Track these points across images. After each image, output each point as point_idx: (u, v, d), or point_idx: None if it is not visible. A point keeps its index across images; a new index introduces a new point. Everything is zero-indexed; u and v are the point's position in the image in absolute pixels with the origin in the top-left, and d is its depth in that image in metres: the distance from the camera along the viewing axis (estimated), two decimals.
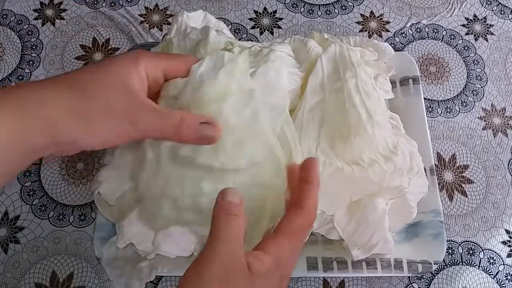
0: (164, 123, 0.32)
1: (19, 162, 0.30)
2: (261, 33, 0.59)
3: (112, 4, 0.59)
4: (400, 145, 0.40)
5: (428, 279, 0.46)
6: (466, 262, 0.47)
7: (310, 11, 0.61)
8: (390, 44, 0.52)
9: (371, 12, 0.61)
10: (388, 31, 0.59)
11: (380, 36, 0.59)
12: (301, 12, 0.60)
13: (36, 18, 0.58)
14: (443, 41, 0.59)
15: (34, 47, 0.56)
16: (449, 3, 0.62)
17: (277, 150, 0.36)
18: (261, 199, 0.35)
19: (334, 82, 0.40)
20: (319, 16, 0.60)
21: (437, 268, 0.46)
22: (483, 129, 0.54)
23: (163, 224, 0.37)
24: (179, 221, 0.36)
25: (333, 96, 0.39)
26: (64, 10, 0.59)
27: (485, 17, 0.61)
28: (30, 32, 0.57)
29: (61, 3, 0.59)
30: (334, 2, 0.61)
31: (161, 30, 0.58)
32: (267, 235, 0.30)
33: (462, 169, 0.52)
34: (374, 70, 0.45)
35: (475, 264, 0.47)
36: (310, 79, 0.40)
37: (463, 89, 0.56)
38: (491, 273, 0.47)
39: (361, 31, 0.59)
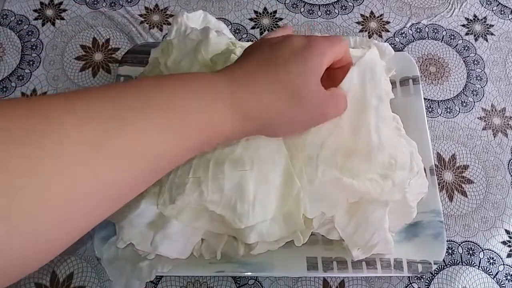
0: (339, 107, 0.36)
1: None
2: (261, 33, 0.59)
3: (112, 4, 0.59)
4: (399, 160, 0.40)
5: (428, 279, 0.46)
6: (466, 262, 0.47)
7: (310, 11, 0.61)
8: (390, 44, 0.52)
9: (371, 12, 0.61)
10: (388, 31, 0.59)
11: (380, 36, 0.59)
12: (301, 12, 0.60)
13: (36, 18, 0.58)
14: (443, 41, 0.59)
15: (34, 47, 0.56)
16: (449, 3, 0.62)
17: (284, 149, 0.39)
18: (276, 182, 0.37)
19: (356, 99, 0.38)
20: (319, 16, 0.60)
21: (437, 268, 0.46)
22: (483, 129, 0.54)
23: (176, 207, 0.38)
24: (199, 200, 0.36)
25: (351, 113, 0.38)
26: (64, 10, 0.59)
27: (485, 17, 0.61)
28: (30, 32, 0.57)
29: (61, 3, 0.59)
30: (334, 2, 0.61)
31: (161, 30, 0.58)
32: None
33: (462, 169, 0.52)
34: None
35: (475, 264, 0.47)
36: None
37: (463, 89, 0.56)
38: (491, 273, 0.47)
39: (361, 31, 0.59)
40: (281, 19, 0.60)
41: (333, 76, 0.37)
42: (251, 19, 0.60)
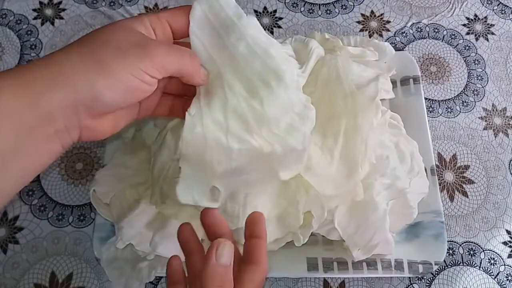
0: (180, 54, 0.30)
1: (37, 137, 0.26)
2: None
3: (112, 4, 0.59)
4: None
5: (429, 279, 0.46)
6: (466, 262, 0.47)
7: (310, 11, 0.60)
8: (390, 43, 0.51)
9: (372, 12, 0.61)
10: (389, 30, 0.59)
11: (381, 35, 0.59)
12: (301, 12, 0.60)
13: (35, 18, 0.58)
14: (443, 41, 0.59)
15: (33, 46, 0.56)
16: (450, 2, 0.62)
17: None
18: (269, 183, 0.36)
19: (221, 50, 0.32)
20: (319, 15, 0.60)
21: (437, 269, 0.46)
22: (484, 129, 0.54)
23: (173, 206, 0.38)
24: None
25: (230, 68, 0.32)
26: (64, 10, 0.59)
27: (485, 17, 0.61)
28: (29, 32, 0.57)
29: (60, 2, 0.59)
30: (335, 1, 0.61)
31: None
32: None
33: (463, 169, 0.51)
34: (375, 70, 0.45)
35: (475, 265, 0.47)
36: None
37: (464, 89, 0.56)
38: (492, 274, 0.46)
39: (361, 30, 0.59)
40: (281, 18, 0.60)
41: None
42: None
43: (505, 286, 0.46)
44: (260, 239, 0.31)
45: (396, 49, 0.54)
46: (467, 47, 0.59)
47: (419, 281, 0.46)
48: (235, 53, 0.32)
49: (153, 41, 0.29)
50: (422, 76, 0.56)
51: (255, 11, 0.60)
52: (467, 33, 0.60)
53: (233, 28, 0.32)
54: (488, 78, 0.57)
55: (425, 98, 0.52)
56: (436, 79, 0.56)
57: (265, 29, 0.58)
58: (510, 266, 0.47)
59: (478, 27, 0.60)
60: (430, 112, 0.54)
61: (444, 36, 0.59)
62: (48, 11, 0.59)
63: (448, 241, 0.46)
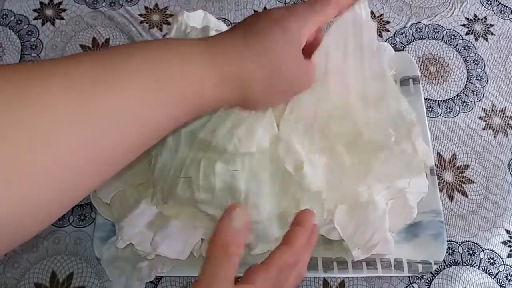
0: (310, 78, 0.35)
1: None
2: None
3: (112, 4, 0.59)
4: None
5: (428, 279, 0.46)
6: (466, 262, 0.47)
7: None
8: (390, 44, 0.52)
9: (371, 12, 0.61)
10: (388, 31, 0.59)
11: (381, 36, 0.59)
12: None
13: (35, 18, 0.58)
14: (443, 41, 0.59)
15: (34, 47, 0.56)
16: (449, 3, 0.62)
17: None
18: (269, 181, 0.37)
19: (337, 65, 0.37)
20: None
21: (437, 268, 0.46)
22: (484, 129, 0.54)
23: (174, 206, 0.38)
24: (191, 200, 0.36)
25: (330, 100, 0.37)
26: (64, 10, 0.59)
27: (485, 17, 0.61)
28: (29, 32, 0.57)
29: (61, 3, 0.59)
30: None
31: (161, 30, 0.58)
32: (255, 266, 0.30)
33: (462, 169, 0.52)
34: None
35: (475, 264, 0.47)
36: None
37: (463, 89, 0.56)
38: (491, 273, 0.47)
39: None
40: None
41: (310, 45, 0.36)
42: None
43: (504, 285, 0.46)
44: (300, 226, 0.32)
45: (396, 49, 0.54)
46: (466, 47, 0.59)
47: (419, 281, 0.46)
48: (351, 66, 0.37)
49: (307, 80, 0.35)
50: (421, 76, 0.56)
51: (255, 12, 0.60)
52: (467, 33, 0.60)
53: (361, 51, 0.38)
54: (487, 78, 0.57)
55: (424, 98, 0.52)
56: (435, 79, 0.57)
57: None
58: (509, 266, 0.47)
59: (478, 27, 0.60)
60: (430, 112, 0.54)
61: (443, 36, 0.59)
62: (49, 12, 0.59)
63: (447, 241, 0.46)
